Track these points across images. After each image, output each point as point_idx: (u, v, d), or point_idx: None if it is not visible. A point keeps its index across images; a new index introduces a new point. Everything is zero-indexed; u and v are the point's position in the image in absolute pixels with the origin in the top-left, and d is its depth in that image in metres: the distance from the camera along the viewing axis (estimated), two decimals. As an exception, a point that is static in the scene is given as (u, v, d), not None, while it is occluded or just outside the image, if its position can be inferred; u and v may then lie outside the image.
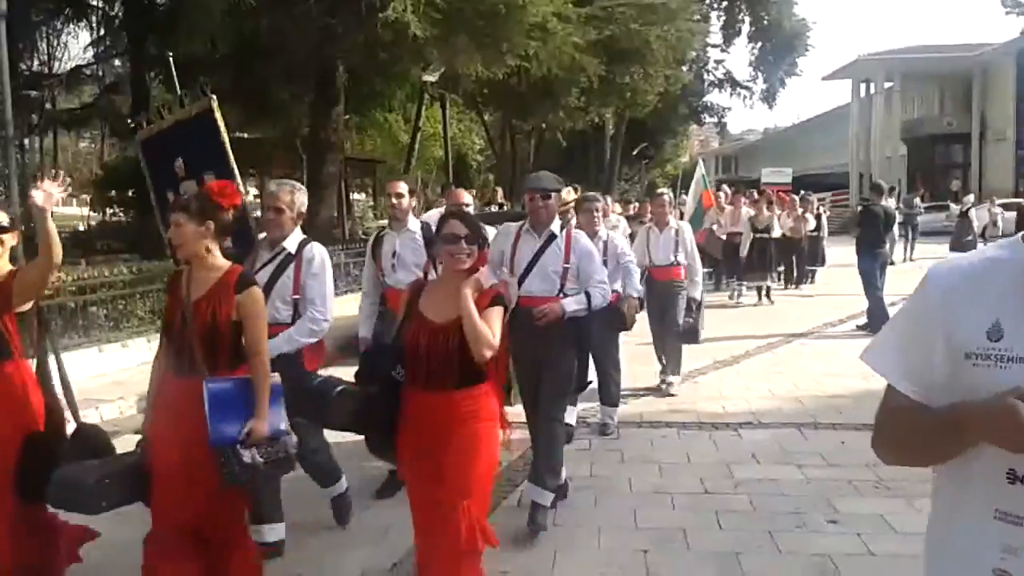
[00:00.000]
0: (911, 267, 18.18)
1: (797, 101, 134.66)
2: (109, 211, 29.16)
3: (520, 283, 4.67)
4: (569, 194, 7.81)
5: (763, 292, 13.76)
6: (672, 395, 7.46)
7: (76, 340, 8.42)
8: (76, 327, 8.58)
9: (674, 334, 7.57)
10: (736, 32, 33.44)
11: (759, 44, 33.67)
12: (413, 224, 5.34)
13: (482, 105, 22.89)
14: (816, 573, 3.96)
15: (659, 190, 9.32)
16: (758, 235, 13.71)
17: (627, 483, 5.32)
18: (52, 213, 3.44)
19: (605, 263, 5.47)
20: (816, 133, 49.80)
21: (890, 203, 18.78)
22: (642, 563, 4.15)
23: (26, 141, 27.76)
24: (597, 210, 6.18)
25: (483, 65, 12.04)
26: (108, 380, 8.11)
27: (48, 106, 26.24)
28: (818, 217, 16.17)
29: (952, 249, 19.37)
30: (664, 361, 7.72)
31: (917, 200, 23.39)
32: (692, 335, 7.69)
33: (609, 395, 6.49)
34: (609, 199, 10.93)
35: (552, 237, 4.71)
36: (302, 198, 4.42)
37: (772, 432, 6.32)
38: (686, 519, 4.67)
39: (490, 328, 3.14)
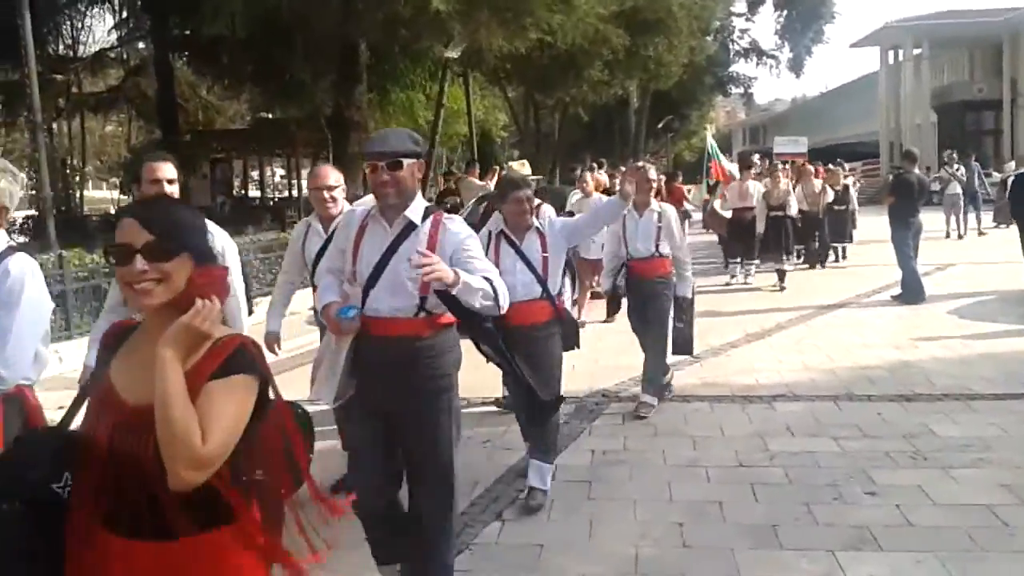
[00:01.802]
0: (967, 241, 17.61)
1: (825, 69, 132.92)
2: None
3: (364, 298, 3.15)
4: (523, 167, 7.02)
5: (781, 276, 12.22)
6: (643, 417, 6.03)
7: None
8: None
9: (656, 344, 6.21)
10: (761, 0, 32.99)
11: (784, 12, 33.20)
12: None
13: (505, 81, 22.74)
14: (855, 544, 3.92)
15: (637, 162, 7.53)
16: (772, 212, 12.33)
17: (661, 456, 5.30)
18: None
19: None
20: (845, 102, 49.01)
21: (958, 170, 18.16)
22: (678, 535, 4.13)
23: (54, 125, 28.09)
24: (527, 200, 4.66)
25: (505, 39, 11.94)
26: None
27: (74, 90, 26.48)
28: (846, 189, 15.03)
29: (996, 220, 18.89)
30: (644, 374, 6.27)
31: (975, 164, 20.15)
32: (684, 345, 6.43)
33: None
34: (589, 174, 10.49)
35: (410, 227, 3.14)
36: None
37: (806, 404, 6.26)
38: (721, 492, 4.65)
39: (212, 422, 1.67)
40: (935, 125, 38.24)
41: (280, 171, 38.48)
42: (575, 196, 10.34)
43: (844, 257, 14.95)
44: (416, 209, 3.17)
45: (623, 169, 8.28)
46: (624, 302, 6.44)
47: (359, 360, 3.17)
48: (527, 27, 11.55)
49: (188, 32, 17.99)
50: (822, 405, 6.20)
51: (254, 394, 1.80)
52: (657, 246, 6.08)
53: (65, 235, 11.46)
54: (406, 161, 3.09)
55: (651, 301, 6.15)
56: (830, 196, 14.17)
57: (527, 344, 4.22)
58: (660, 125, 39.51)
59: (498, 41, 11.98)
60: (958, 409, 5.92)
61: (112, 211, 29.84)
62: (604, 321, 7.97)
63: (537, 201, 6.73)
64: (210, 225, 3.56)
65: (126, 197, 32.13)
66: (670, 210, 6.28)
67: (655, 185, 6.28)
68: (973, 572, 3.63)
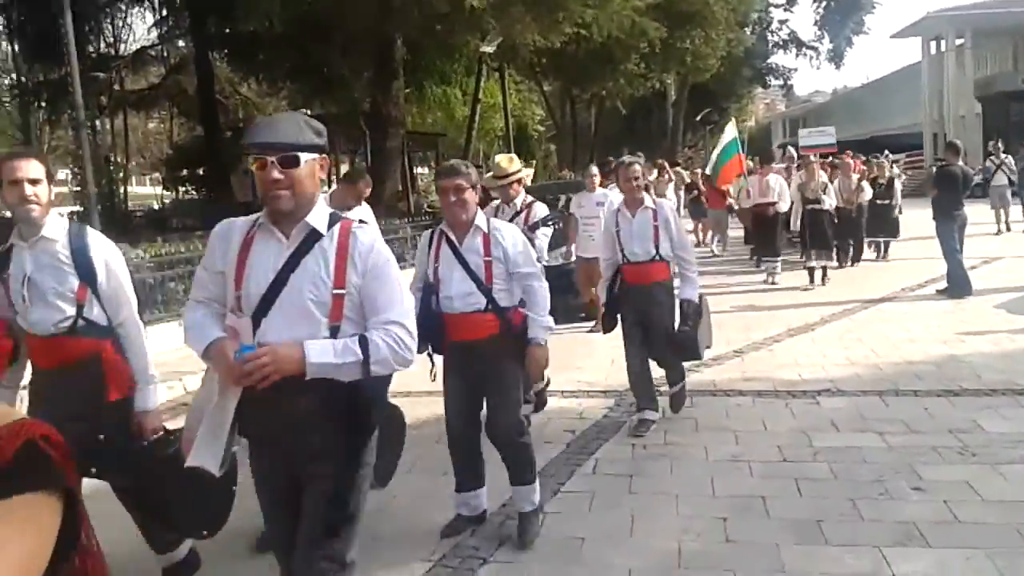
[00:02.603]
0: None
1: (866, 60, 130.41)
2: (182, 189, 29.94)
3: (255, 328, 2.48)
4: (511, 163, 6.52)
5: (812, 273, 11.60)
6: (639, 435, 5.60)
7: (156, 315, 8.80)
8: (156, 302, 8.95)
9: (664, 355, 5.81)
10: (801, -9, 32.62)
11: (823, 3, 32.77)
12: (54, 227, 3.37)
13: (541, 75, 22.72)
14: (901, 540, 3.86)
15: (625, 158, 6.65)
16: (809, 206, 11.61)
17: (703, 451, 5.27)
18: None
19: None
20: (887, 93, 48.21)
21: (1005, 161, 17.62)
22: (721, 530, 4.11)
23: (97, 122, 28.64)
24: (457, 189, 3.90)
25: (540, 34, 11.91)
26: (188, 352, 8.33)
27: (116, 87, 26.98)
28: (891, 182, 14.35)
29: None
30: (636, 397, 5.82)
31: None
32: (690, 349, 5.69)
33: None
34: (595, 167, 9.35)
35: (313, 236, 2.51)
36: None
37: (851, 399, 6.18)
38: (765, 487, 4.61)
39: None
40: (979, 116, 37.50)
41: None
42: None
43: (886, 254, 14.23)
44: (319, 215, 2.52)
45: (660, 162, 8.18)
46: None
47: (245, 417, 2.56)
48: (561, 21, 11.51)
49: (227, 30, 18.24)
50: (867, 400, 6.12)
51: (54, 518, 1.15)
52: (656, 248, 5.53)
53: (109, 231, 11.68)
54: (304, 156, 2.45)
55: (651, 309, 5.61)
56: (868, 193, 13.43)
57: (474, 363, 4.04)
58: (698, 118, 39.21)
59: (532, 35, 11.96)
60: (1006, 404, 5.80)
61: (155, 207, 30.43)
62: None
63: (529, 199, 6.46)
64: (90, 234, 3.45)
65: (169, 192, 32.66)
66: (666, 205, 5.81)
67: (640, 183, 5.62)
68: (1022, 568, 3.56)
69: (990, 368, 6.78)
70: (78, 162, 8.98)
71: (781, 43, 34.59)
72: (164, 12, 22.91)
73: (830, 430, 5.51)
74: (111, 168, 29.20)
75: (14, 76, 26.85)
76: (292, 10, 9.97)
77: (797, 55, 35.48)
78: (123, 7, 23.13)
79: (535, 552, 4.01)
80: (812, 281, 11.61)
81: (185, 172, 28.14)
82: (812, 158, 12.81)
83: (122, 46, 26.25)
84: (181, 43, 24.01)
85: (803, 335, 8.56)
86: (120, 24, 25.31)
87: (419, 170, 27.99)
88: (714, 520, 4.22)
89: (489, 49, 15.74)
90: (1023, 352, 7.30)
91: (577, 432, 5.82)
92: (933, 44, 39.26)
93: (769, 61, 36.42)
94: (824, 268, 11.83)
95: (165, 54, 25.36)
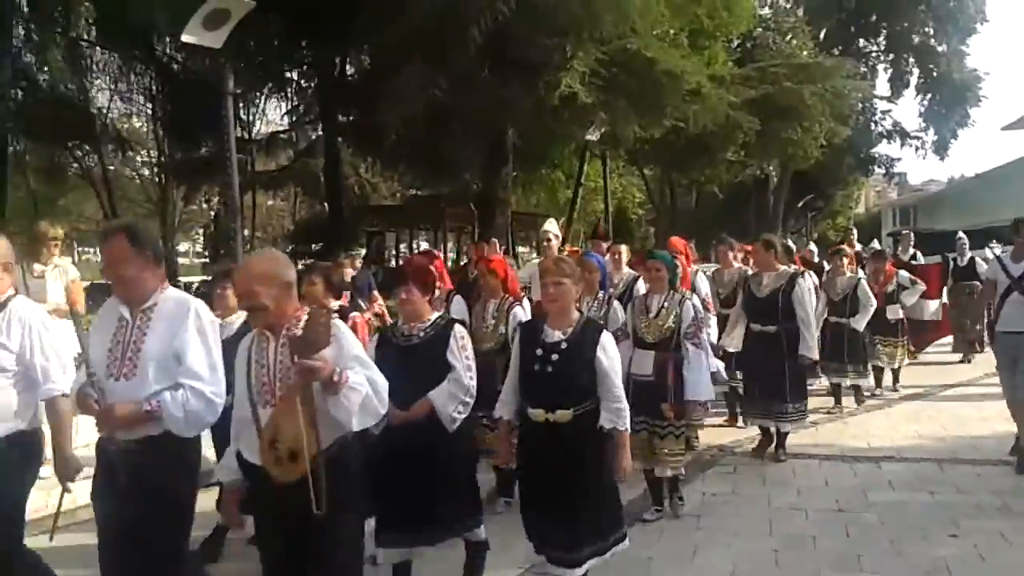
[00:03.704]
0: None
1: (977, 151, 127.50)
2: (301, 263, 31.82)
3: None
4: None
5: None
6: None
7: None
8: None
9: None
10: (904, 84, 32.85)
11: (928, 95, 32.91)
12: None
13: (641, 160, 23.79)
14: (929, 572, 4.45)
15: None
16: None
17: (766, 500, 5.92)
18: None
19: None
20: (1002, 184, 47.26)
21: None
22: (771, 559, 4.79)
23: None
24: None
25: (640, 127, 12.94)
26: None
27: (249, 168, 29.34)
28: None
29: None
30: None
31: None
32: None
33: None
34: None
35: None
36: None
37: (911, 465, 6.70)
38: (817, 529, 5.25)
39: None
40: (1096, 208, 36.40)
41: (425, 244, 40.74)
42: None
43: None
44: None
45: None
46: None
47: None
48: (661, 116, 12.52)
49: (352, 118, 20.01)
50: (926, 466, 6.63)
51: None
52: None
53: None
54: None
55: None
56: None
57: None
58: (800, 204, 39.43)
59: (633, 128, 13.00)
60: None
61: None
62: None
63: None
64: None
65: (289, 265, 34.68)
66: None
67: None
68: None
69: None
70: (231, 236, 10.28)
71: (885, 133, 34.74)
72: (295, 101, 24.97)
73: (886, 488, 6.09)
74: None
75: (155, 153, 29.61)
76: (424, 102, 11.27)
77: (902, 145, 35.49)
78: (259, 96, 25.34)
79: (607, 566, 4.70)
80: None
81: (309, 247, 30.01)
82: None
83: (254, 130, 28.65)
84: (309, 129, 25.96)
85: (879, 410, 9.02)
86: (255, 111, 27.69)
87: (520, 248, 29.23)
88: (767, 552, 4.90)
89: (593, 137, 16.90)
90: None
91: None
92: (1046, 135, 38.60)
93: (873, 151, 36.52)
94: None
95: (295, 139, 27.49)
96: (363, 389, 2.92)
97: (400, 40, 11.32)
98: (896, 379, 10.10)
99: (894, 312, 9.86)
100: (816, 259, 11.89)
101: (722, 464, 6.92)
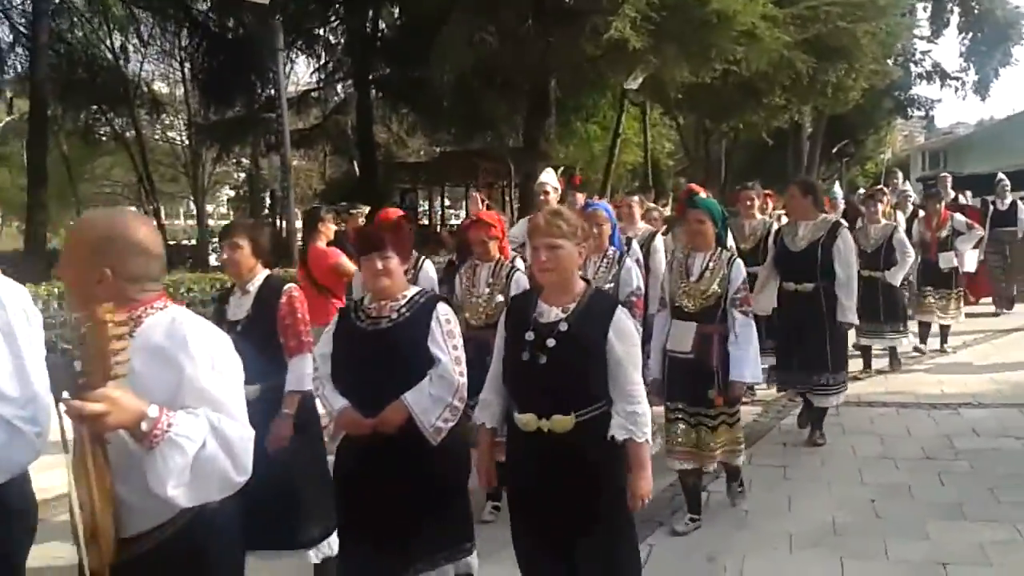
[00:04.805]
0: None
1: (1013, 92, 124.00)
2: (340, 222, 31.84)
3: None
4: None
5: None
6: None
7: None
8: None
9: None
10: (945, 23, 31.92)
11: (969, 34, 32.02)
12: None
13: (682, 109, 23.42)
14: (1036, 520, 4.40)
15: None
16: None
17: (851, 449, 5.87)
18: None
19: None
20: (1033, 126, 46.21)
21: None
22: (870, 509, 4.75)
23: (260, 160, 31.24)
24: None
25: (690, 71, 12.66)
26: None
27: (278, 127, 29.27)
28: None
29: None
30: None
31: None
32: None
33: None
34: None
35: None
36: None
37: (991, 411, 6.63)
38: (910, 478, 5.21)
39: None
40: None
41: (447, 200, 40.54)
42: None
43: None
44: None
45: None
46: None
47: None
48: (712, 59, 12.22)
49: (389, 74, 19.81)
50: (1007, 412, 6.55)
51: None
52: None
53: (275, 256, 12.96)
54: None
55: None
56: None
57: None
58: (834, 150, 38.75)
59: (683, 73, 12.73)
60: None
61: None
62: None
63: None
64: None
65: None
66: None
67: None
68: None
69: None
70: (247, 197, 10.27)
71: (925, 74, 33.89)
72: (326, 59, 24.76)
73: (970, 435, 6.02)
74: (272, 202, 31.62)
75: (184, 116, 29.65)
76: (471, 59, 11.10)
77: (942, 86, 34.64)
78: (292, 55, 25.17)
79: (704, 521, 4.69)
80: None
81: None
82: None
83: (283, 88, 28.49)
84: (340, 87, 25.78)
85: (946, 356, 8.91)
86: (286, 69, 27.52)
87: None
88: (864, 501, 4.86)
89: (634, 86, 16.62)
90: None
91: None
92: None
93: (912, 92, 35.73)
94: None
95: (325, 97, 27.34)
96: (192, 447, 1.84)
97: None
98: (944, 338, 9.19)
99: (947, 260, 9.04)
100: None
101: (795, 413, 6.84)
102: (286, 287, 3.89)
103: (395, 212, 5.11)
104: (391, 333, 3.17)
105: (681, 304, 4.49)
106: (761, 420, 6.79)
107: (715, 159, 33.30)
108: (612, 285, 4.75)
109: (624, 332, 2.85)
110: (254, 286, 3.87)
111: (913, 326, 8.81)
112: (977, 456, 5.52)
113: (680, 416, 4.51)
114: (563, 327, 2.83)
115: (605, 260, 4.91)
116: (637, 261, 5.49)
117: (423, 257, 5.15)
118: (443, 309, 3.26)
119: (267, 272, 3.95)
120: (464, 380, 3.21)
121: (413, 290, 3.33)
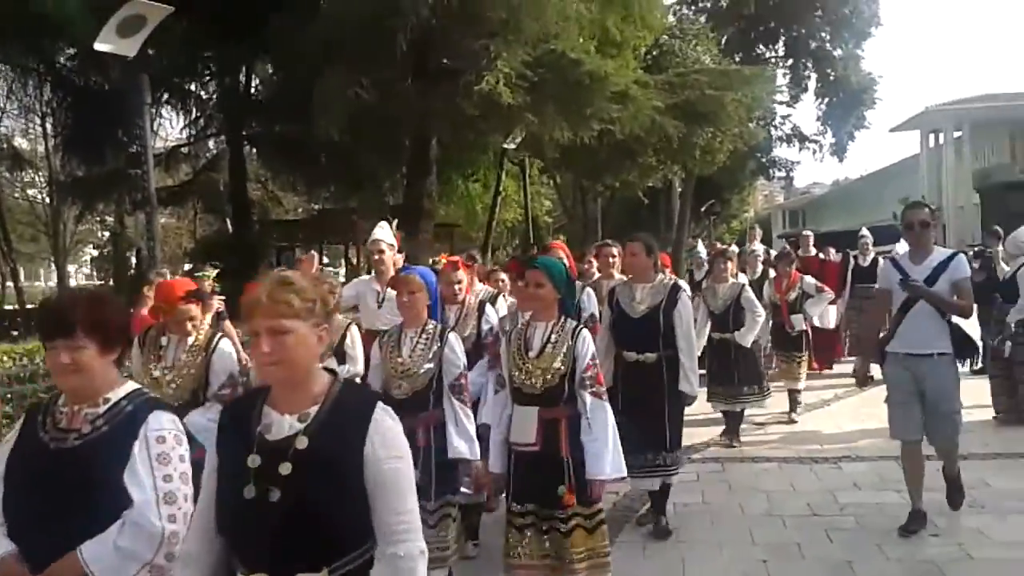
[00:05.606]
0: None
1: (865, 153, 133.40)
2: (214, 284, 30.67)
3: None
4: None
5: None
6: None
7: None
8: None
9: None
10: (803, 88, 33.95)
11: (826, 99, 34.13)
12: None
13: (559, 168, 23.92)
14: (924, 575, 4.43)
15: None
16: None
17: (739, 508, 5.86)
18: None
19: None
20: (886, 184, 49.61)
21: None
22: (764, 570, 4.69)
23: (126, 219, 29.88)
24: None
25: (569, 130, 12.86)
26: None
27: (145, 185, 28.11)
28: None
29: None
30: None
31: None
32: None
33: None
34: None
35: None
36: None
37: (870, 464, 6.76)
38: (798, 535, 5.20)
39: None
40: (977, 207, 38.61)
41: (327, 259, 39.83)
42: None
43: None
44: None
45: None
46: None
47: None
48: (589, 118, 12.45)
49: (262, 131, 19.35)
50: (885, 464, 6.64)
51: None
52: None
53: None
54: None
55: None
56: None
57: None
58: (703, 209, 40.34)
59: (563, 132, 12.92)
60: (1010, 466, 6.41)
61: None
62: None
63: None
64: None
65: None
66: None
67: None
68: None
69: (996, 436, 7.41)
70: (108, 256, 9.81)
71: (785, 137, 35.86)
72: (195, 114, 24.05)
73: (853, 489, 6.12)
74: (138, 261, 30.22)
75: (46, 174, 28.16)
76: (349, 113, 10.91)
77: (800, 149, 36.71)
78: (161, 110, 24.36)
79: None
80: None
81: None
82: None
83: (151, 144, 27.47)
84: (212, 143, 25.08)
85: (819, 410, 9.14)
86: (156, 123, 26.56)
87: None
88: (757, 562, 4.81)
89: (512, 146, 16.80)
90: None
91: (620, 494, 6.36)
92: (932, 137, 40.73)
93: (772, 154, 37.69)
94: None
95: (196, 153, 26.52)
96: None
97: (321, 45, 10.93)
98: (793, 406, 8.75)
99: (798, 322, 9.01)
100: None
101: (683, 471, 6.79)
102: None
103: (94, 293, 2.78)
104: (78, 453, 2.31)
105: (520, 385, 3.80)
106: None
107: (592, 217, 34.00)
108: (432, 366, 4.03)
109: (389, 439, 2.04)
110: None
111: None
112: (861, 510, 5.58)
113: (530, 521, 3.79)
114: (301, 444, 1.98)
115: (424, 336, 4.09)
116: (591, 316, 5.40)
117: (220, 334, 4.37)
118: (156, 422, 2.39)
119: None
120: (176, 527, 2.30)
121: (124, 390, 2.44)
